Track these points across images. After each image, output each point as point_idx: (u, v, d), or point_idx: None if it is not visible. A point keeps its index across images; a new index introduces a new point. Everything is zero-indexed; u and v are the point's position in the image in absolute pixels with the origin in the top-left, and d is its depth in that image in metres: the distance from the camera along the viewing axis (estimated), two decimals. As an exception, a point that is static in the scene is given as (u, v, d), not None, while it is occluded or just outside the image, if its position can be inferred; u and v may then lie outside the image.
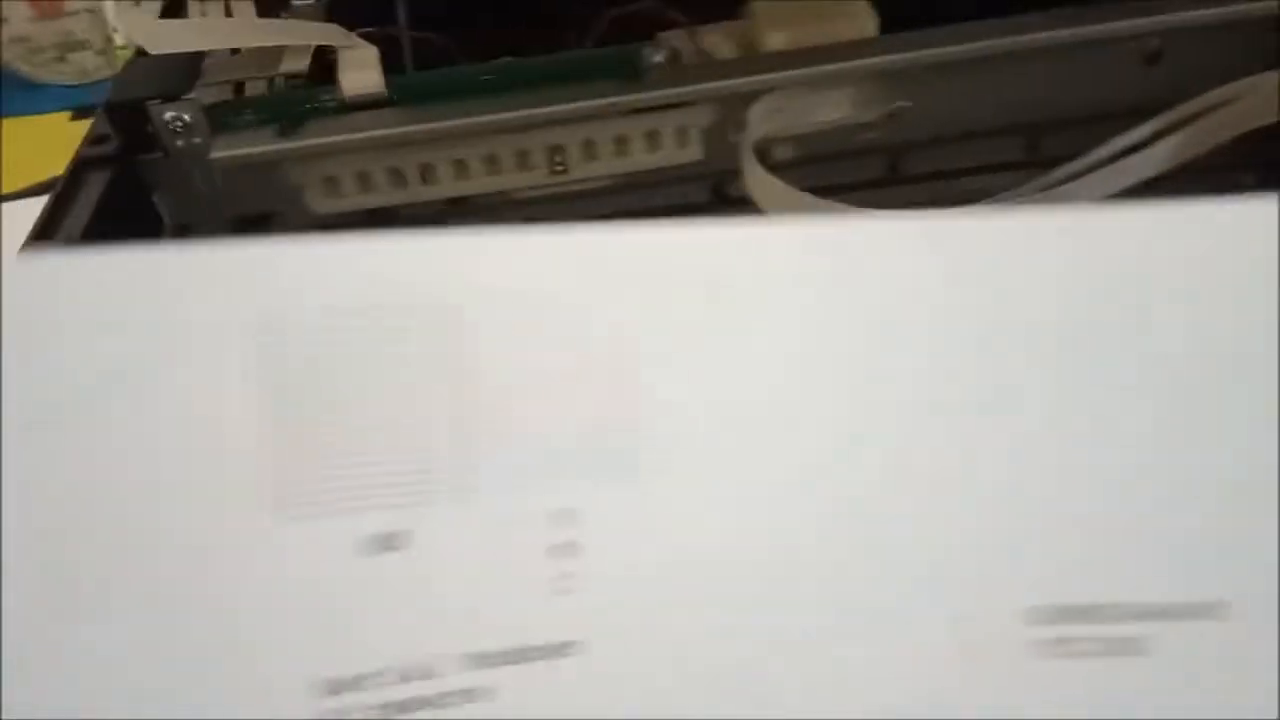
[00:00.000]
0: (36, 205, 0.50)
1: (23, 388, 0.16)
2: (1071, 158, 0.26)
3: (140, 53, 0.28)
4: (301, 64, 0.27)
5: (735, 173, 0.26)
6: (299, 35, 0.27)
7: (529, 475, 0.17)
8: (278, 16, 0.29)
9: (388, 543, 0.17)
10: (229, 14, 0.28)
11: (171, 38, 0.26)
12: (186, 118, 0.26)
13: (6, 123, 0.55)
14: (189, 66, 0.27)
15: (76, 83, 0.58)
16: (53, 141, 0.55)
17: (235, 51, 0.28)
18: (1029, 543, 0.17)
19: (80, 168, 0.26)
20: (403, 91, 0.27)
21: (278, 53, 0.27)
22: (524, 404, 0.17)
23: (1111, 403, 0.17)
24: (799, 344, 0.17)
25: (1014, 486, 0.17)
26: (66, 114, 0.57)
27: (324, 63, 0.28)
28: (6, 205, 0.49)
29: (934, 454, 0.17)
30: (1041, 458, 0.17)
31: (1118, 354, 0.17)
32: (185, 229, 0.27)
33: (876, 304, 0.17)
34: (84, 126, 0.56)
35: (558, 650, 0.17)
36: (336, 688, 0.16)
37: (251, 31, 0.27)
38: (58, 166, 0.50)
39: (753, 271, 0.17)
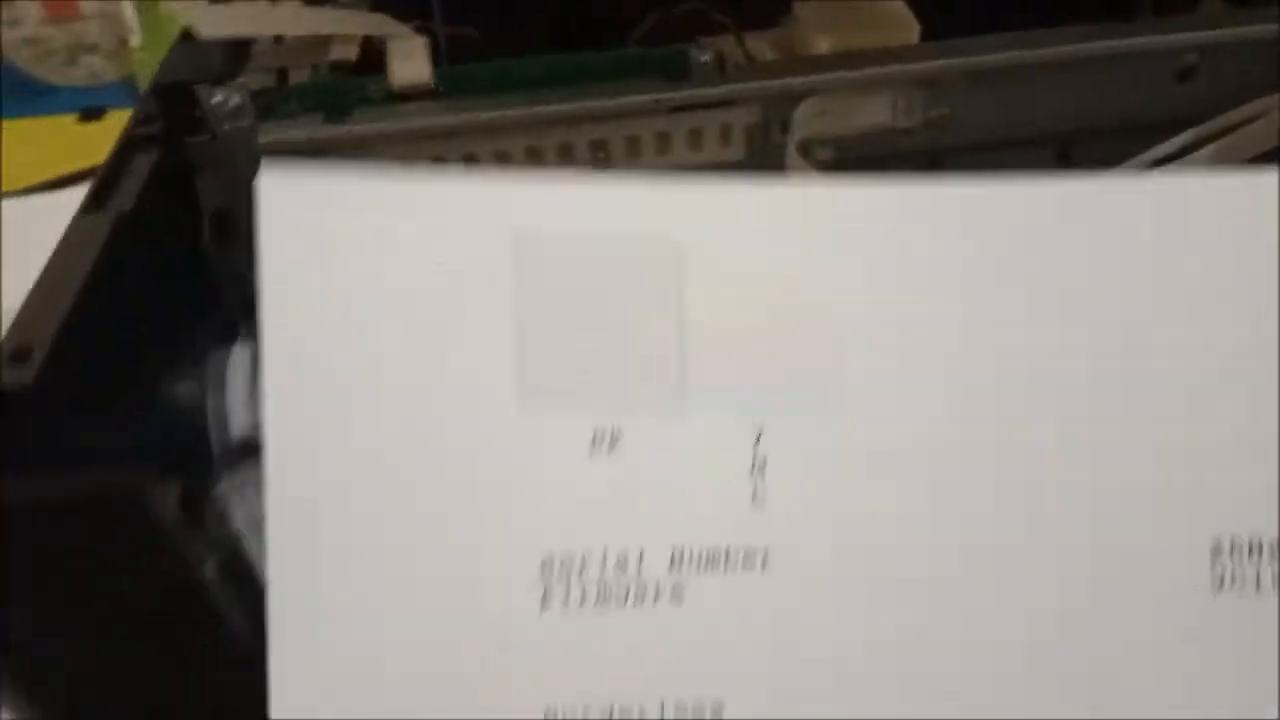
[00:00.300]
0: (40, 201, 0.49)
1: (303, 301, 0.18)
2: (1101, 168, 0.27)
3: (185, 37, 0.28)
4: (349, 53, 0.28)
5: (777, 172, 0.27)
6: (349, 25, 0.27)
7: (735, 400, 0.19)
8: (323, 5, 0.29)
9: (610, 442, 0.19)
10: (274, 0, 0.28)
11: (222, 21, 0.26)
12: (236, 100, 0.26)
13: (15, 123, 0.55)
14: (234, 53, 0.28)
15: (85, 85, 0.58)
16: (59, 142, 0.55)
17: (279, 40, 0.28)
18: (1212, 476, 0.18)
19: (128, 146, 0.26)
20: (450, 83, 0.27)
21: (325, 41, 0.28)
22: (735, 336, 0.19)
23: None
24: (986, 303, 0.19)
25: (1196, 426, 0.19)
26: (74, 116, 0.57)
27: (369, 53, 0.28)
28: (9, 201, 0.49)
29: (1115, 395, 0.19)
30: (1223, 392, 0.19)
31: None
32: (225, 213, 0.27)
33: (1044, 267, 0.19)
34: (91, 129, 0.56)
35: (748, 559, 0.19)
36: (556, 566, 0.18)
37: (303, 19, 0.27)
38: (64, 166, 0.50)
39: (943, 229, 0.19)
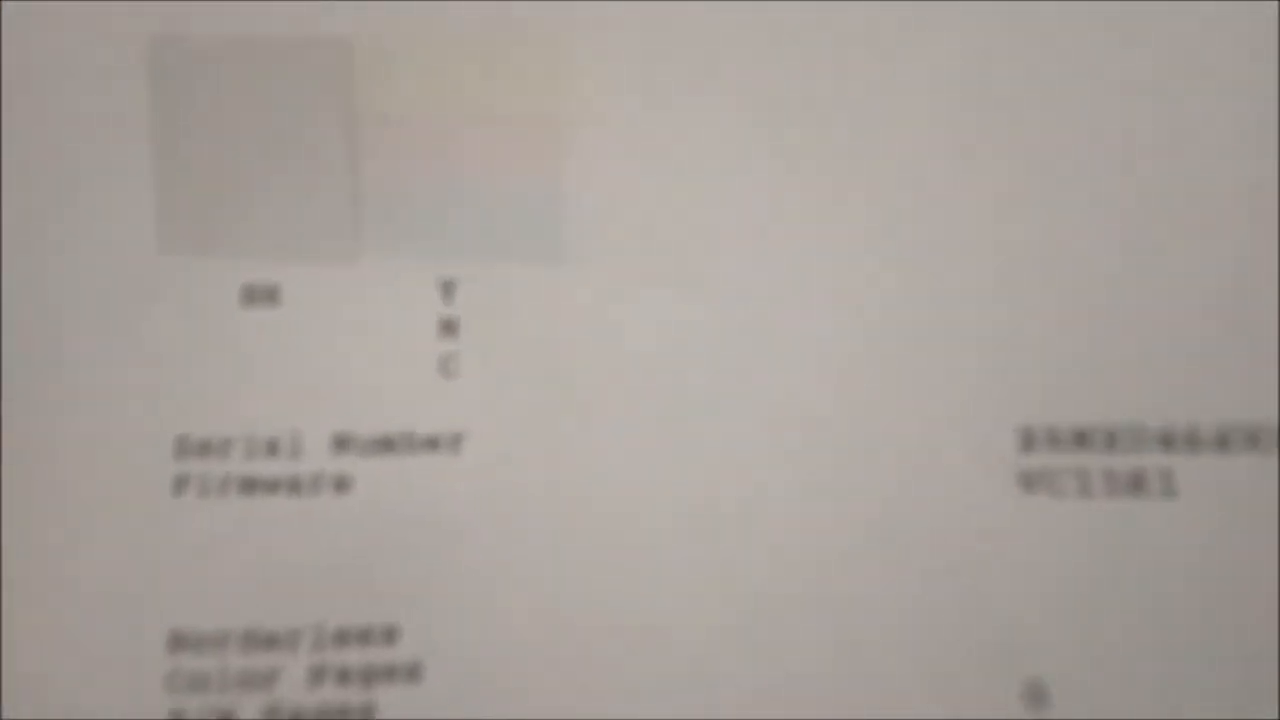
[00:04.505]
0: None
1: None
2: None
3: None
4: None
5: None
6: None
7: (420, 241, 0.15)
8: None
9: (266, 297, 0.15)
10: None
11: None
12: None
13: None
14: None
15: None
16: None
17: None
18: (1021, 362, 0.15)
19: None
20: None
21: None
22: (422, 160, 0.15)
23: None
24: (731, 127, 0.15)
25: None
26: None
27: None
28: None
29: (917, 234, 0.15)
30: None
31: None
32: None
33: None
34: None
35: (432, 443, 0.15)
36: (190, 449, 0.15)
37: None
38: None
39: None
